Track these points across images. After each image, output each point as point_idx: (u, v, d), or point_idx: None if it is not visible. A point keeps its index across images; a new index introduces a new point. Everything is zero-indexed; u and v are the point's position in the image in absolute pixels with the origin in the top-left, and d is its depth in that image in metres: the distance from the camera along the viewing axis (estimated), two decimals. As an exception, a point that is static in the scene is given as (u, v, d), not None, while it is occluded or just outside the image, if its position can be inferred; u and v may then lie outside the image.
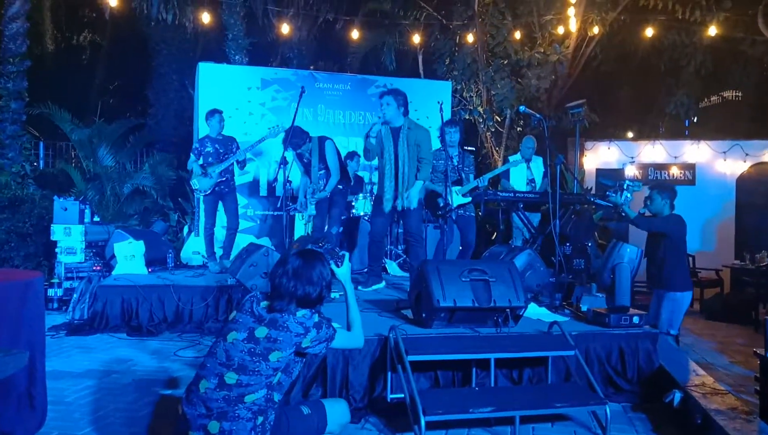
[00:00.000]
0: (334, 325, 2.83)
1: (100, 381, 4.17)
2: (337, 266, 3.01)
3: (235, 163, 6.71)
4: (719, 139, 10.12)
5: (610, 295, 4.44)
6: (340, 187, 6.24)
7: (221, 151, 6.66)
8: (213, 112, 6.73)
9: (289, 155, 6.13)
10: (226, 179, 6.74)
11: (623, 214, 5.37)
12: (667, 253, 5.17)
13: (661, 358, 4.17)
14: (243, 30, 11.27)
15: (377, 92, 8.71)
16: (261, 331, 2.60)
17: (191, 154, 6.76)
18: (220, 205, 6.86)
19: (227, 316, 5.59)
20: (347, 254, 3.10)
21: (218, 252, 6.89)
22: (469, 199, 6.03)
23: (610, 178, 9.85)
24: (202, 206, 7.01)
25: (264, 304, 2.69)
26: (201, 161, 6.66)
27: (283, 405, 2.78)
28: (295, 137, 6.04)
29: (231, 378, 2.53)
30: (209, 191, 6.67)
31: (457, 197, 5.89)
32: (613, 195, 5.32)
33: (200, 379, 2.58)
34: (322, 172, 6.21)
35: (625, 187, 5.32)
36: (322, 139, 6.18)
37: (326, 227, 6.42)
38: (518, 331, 4.07)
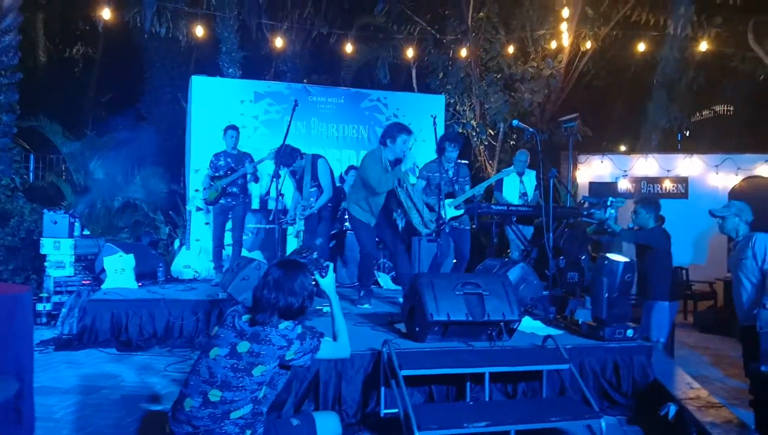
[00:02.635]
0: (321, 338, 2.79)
1: (89, 397, 4.11)
2: (322, 277, 2.97)
3: (249, 178, 6.93)
4: (711, 153, 10.18)
5: None
6: (330, 204, 6.21)
7: (233, 165, 6.83)
8: (228, 128, 6.93)
9: (282, 170, 6.13)
10: (233, 194, 6.84)
11: (608, 229, 5.51)
12: (653, 265, 5.28)
13: (656, 372, 4.16)
14: (237, 43, 11.29)
15: (370, 105, 8.76)
16: (243, 346, 2.55)
17: (208, 167, 6.98)
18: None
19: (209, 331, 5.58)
20: (331, 265, 3.06)
21: (225, 265, 6.89)
22: (462, 211, 5.99)
23: (603, 191, 9.89)
24: (212, 219, 7.08)
25: (246, 317, 2.65)
26: (213, 173, 6.86)
27: (274, 419, 2.74)
28: (286, 156, 6.03)
29: (215, 395, 2.49)
30: (215, 204, 6.86)
31: (449, 210, 5.85)
32: (598, 211, 5.51)
33: (185, 397, 2.54)
34: (314, 189, 6.17)
35: (609, 204, 5.49)
36: (315, 157, 6.18)
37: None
38: (512, 344, 4.04)
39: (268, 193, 7.43)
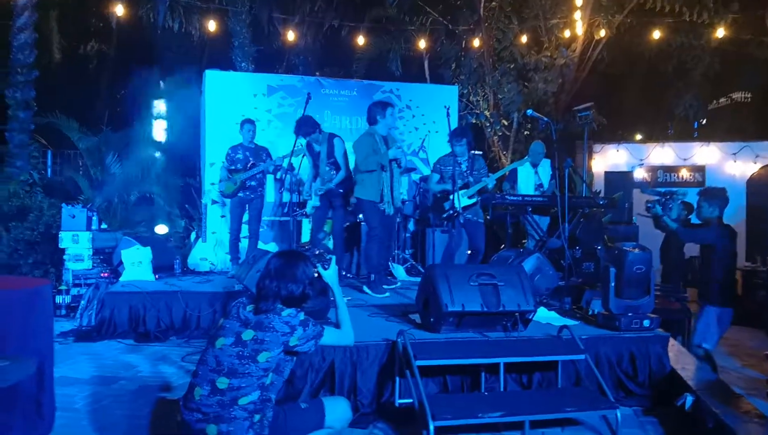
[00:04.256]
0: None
1: (108, 387, 4.17)
2: (324, 269, 3.06)
3: (267, 172, 6.98)
4: (729, 141, 10.07)
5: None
6: (341, 190, 6.19)
7: (251, 159, 6.86)
8: (245, 122, 6.97)
9: (296, 161, 6.13)
10: (251, 187, 6.88)
11: (664, 225, 5.09)
12: (710, 265, 4.81)
13: (673, 362, 4.13)
14: (249, 37, 11.32)
15: (383, 97, 8.72)
16: (248, 334, 2.62)
17: (224, 159, 6.99)
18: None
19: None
20: (334, 257, 3.15)
21: (241, 257, 6.94)
22: (475, 200, 5.94)
23: (619, 180, 9.80)
24: (228, 212, 7.15)
25: (250, 307, 2.73)
26: (231, 166, 6.88)
27: (284, 404, 2.80)
28: (306, 126, 6.09)
29: (223, 383, 2.55)
30: (233, 197, 6.88)
31: (463, 199, 5.80)
32: (653, 206, 5.09)
33: (194, 386, 2.61)
34: (329, 167, 6.16)
35: (671, 199, 5.11)
36: (331, 136, 6.19)
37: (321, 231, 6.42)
38: (527, 335, 4.04)
39: (283, 185, 7.45)
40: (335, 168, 6.13)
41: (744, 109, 13.84)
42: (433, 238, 7.37)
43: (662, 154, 10.23)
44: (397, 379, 3.60)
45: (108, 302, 5.75)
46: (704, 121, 13.63)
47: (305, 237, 7.36)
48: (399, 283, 6.15)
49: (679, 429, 3.58)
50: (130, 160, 10.05)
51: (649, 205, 5.20)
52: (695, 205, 5.09)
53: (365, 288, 5.62)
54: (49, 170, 10.72)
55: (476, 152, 6.53)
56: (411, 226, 7.98)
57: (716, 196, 4.97)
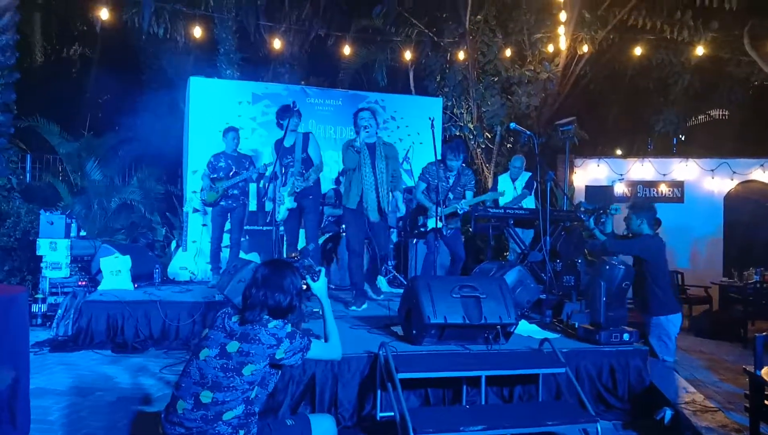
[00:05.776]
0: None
1: (84, 399, 4.10)
2: (313, 281, 3.01)
3: (249, 181, 6.97)
4: (707, 157, 10.23)
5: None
6: (311, 196, 6.02)
7: (233, 167, 6.81)
8: (229, 130, 6.92)
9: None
10: (234, 196, 6.84)
11: (594, 238, 5.28)
12: (646, 276, 4.96)
13: (652, 376, 4.17)
14: (234, 44, 11.28)
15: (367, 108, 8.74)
16: (232, 346, 2.56)
17: (206, 168, 6.91)
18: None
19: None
20: (323, 269, 3.11)
21: (222, 267, 6.87)
22: (440, 225, 5.90)
23: (599, 195, 9.92)
24: (210, 221, 7.12)
25: (235, 318, 2.67)
26: (213, 175, 6.82)
27: (269, 419, 2.76)
28: (281, 111, 5.99)
29: (206, 397, 2.49)
30: (215, 205, 6.84)
31: (433, 221, 5.79)
32: (586, 219, 5.32)
33: (177, 399, 2.55)
34: (302, 165, 5.94)
35: (606, 212, 5.30)
36: (305, 133, 6.10)
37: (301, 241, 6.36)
38: (509, 348, 4.05)
39: (266, 194, 7.41)
40: (308, 164, 5.98)
41: (722, 126, 14.06)
42: (416, 249, 7.38)
43: (642, 169, 10.36)
44: (379, 391, 3.60)
45: (85, 311, 5.69)
46: (683, 138, 13.84)
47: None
48: (381, 295, 6.14)
49: (658, 443, 3.61)
50: (111, 167, 9.96)
51: (582, 217, 5.36)
52: (626, 218, 5.24)
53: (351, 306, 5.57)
54: (27, 175, 10.55)
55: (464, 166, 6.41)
56: (394, 236, 7.98)
57: (642, 208, 5.11)
